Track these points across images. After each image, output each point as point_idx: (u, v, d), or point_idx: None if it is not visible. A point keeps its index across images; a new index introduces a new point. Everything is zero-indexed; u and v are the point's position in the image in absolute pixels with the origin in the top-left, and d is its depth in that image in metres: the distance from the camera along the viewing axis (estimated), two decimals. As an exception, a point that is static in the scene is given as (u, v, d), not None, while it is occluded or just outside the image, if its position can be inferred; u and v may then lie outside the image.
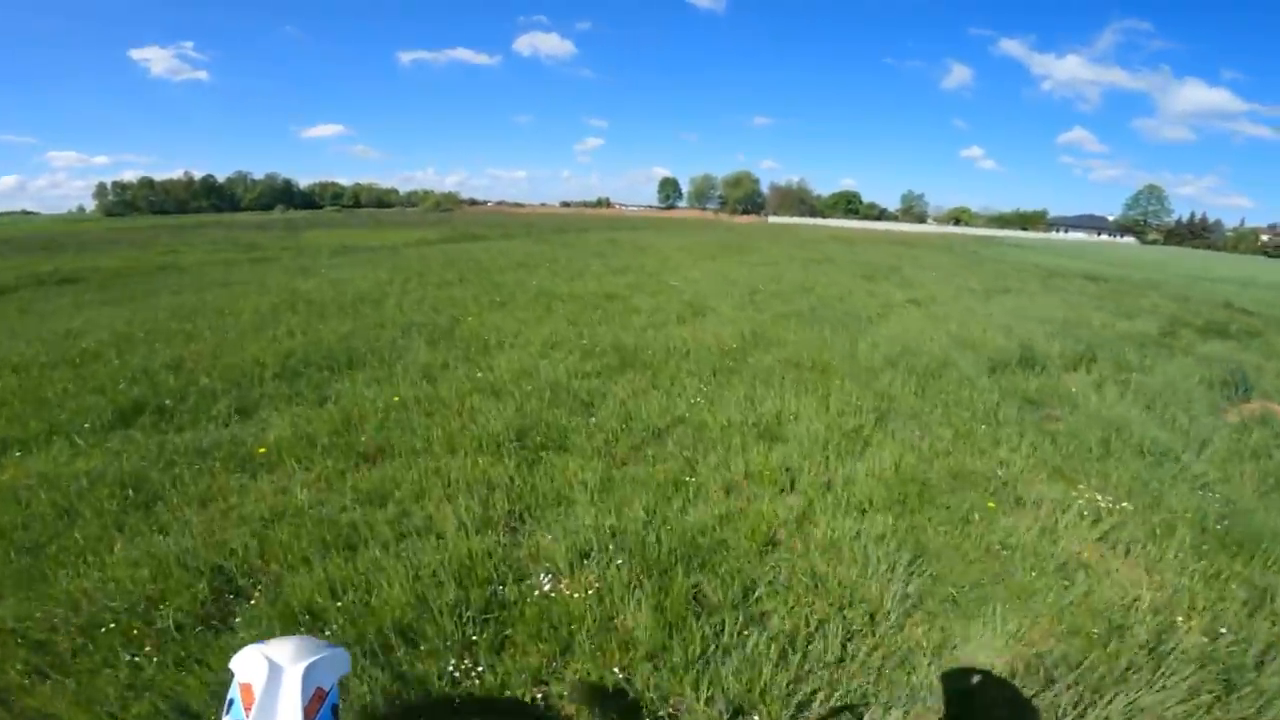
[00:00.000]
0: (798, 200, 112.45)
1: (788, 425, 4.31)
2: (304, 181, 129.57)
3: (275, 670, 0.82)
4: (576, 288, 10.19)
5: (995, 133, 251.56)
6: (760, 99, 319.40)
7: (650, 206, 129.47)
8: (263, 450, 3.89)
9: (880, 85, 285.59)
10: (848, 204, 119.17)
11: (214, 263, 16.99)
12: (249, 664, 0.84)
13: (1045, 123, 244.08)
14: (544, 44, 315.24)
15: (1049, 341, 7.27)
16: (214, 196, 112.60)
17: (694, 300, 9.12)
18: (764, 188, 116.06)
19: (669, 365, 5.61)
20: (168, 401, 4.65)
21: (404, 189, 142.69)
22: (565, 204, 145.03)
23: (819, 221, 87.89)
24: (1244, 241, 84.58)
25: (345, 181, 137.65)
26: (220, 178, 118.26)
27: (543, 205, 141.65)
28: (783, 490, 3.48)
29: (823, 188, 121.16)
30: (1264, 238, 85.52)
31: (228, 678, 0.83)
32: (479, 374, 5.26)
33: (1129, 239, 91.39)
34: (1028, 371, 5.93)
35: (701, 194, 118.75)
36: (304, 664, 0.84)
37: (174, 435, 4.22)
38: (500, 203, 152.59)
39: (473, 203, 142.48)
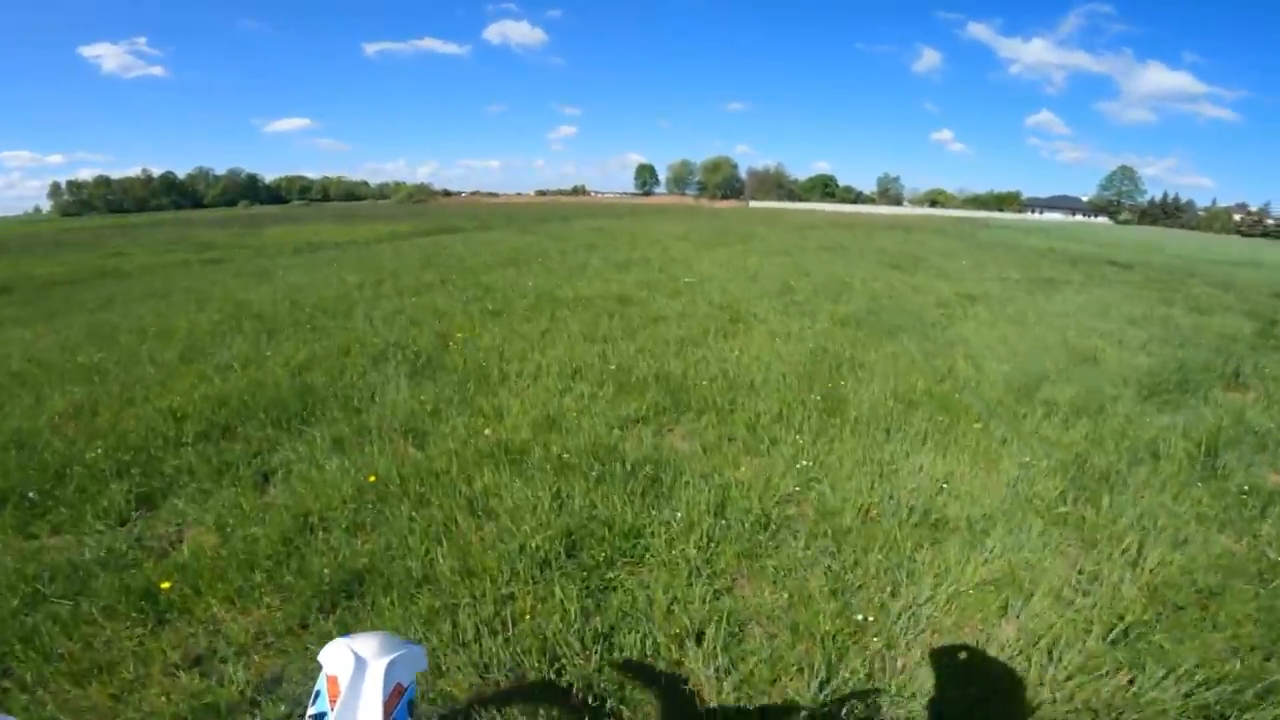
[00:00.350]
0: (775, 184, 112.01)
1: (956, 505, 2.95)
2: (270, 176, 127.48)
3: (360, 664, 0.85)
4: (582, 289, 8.70)
5: (965, 116, 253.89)
6: (735, 84, 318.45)
7: (627, 193, 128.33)
8: (167, 585, 2.43)
9: (852, 69, 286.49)
10: (824, 187, 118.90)
11: (162, 266, 15.13)
12: (336, 657, 0.87)
13: (1013, 106, 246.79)
14: (514, 32, 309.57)
15: (1173, 350, 6.03)
16: (175, 194, 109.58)
17: (726, 303, 7.71)
18: (742, 173, 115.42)
19: (739, 404, 4.20)
20: (32, 494, 3.13)
21: (375, 181, 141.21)
22: (541, 192, 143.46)
23: (799, 205, 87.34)
24: (1217, 221, 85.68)
25: (313, 175, 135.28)
26: (181, 174, 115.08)
27: (518, 194, 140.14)
28: (1017, 650, 2.11)
29: (798, 172, 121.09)
30: (1236, 217, 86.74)
31: (315, 669, 0.84)
32: (485, 427, 3.79)
33: (1102, 219, 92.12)
34: (1187, 395, 4.66)
35: (680, 179, 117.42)
36: (386, 660, 0.86)
37: (47, 539, 2.83)
38: (475, 193, 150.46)
39: (446, 193, 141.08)
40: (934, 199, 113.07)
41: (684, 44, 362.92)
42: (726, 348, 5.68)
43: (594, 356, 5.34)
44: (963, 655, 2.11)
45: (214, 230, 30.84)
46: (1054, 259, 16.64)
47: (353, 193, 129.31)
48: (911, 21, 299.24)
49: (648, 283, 9.33)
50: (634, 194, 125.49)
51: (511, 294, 8.31)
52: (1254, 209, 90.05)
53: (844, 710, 1.87)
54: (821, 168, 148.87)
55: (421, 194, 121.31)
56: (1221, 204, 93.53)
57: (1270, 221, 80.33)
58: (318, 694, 0.85)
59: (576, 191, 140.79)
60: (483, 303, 7.72)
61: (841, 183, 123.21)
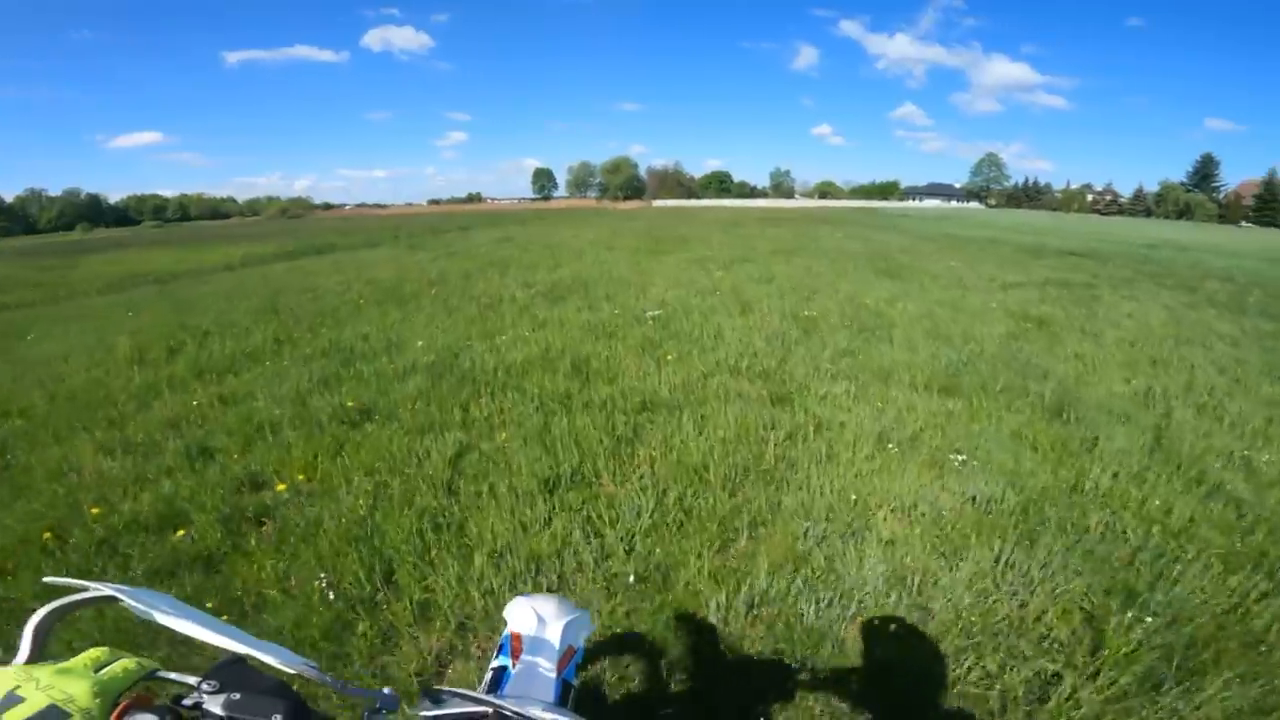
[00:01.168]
0: (676, 183, 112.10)
1: None
2: (116, 196, 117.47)
3: (541, 624, 0.95)
4: (504, 345, 5.67)
5: (840, 110, 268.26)
6: (627, 85, 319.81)
7: (525, 199, 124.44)
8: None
9: (738, 67, 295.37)
10: (720, 183, 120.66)
11: None
12: (520, 614, 0.98)
13: (881, 99, 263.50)
14: (397, 37, 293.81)
15: None
16: (2, 218, 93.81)
17: (744, 362, 4.98)
18: (641, 172, 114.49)
19: None
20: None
21: (244, 197, 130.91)
22: (434, 202, 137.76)
23: (700, 202, 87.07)
24: (1074, 201, 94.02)
25: (169, 193, 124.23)
26: (9, 197, 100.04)
27: (408, 205, 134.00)
28: None
29: (693, 169, 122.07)
30: (1089, 197, 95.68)
31: (500, 624, 0.93)
32: None
33: (974, 204, 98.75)
34: None
35: (581, 182, 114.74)
36: (563, 623, 0.96)
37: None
38: (361, 205, 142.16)
39: (327, 207, 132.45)
40: (824, 191, 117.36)
41: (573, 45, 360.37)
42: (838, 504, 2.92)
43: (562, 549, 2.42)
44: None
45: (14, 263, 24.42)
46: (1016, 252, 15.29)
47: (218, 210, 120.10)
48: (789, 18, 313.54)
49: (598, 325, 6.42)
50: (533, 199, 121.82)
51: (387, 367, 5.13)
52: (1098, 188, 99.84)
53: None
54: (714, 165, 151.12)
55: (297, 208, 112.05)
56: (1067, 185, 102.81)
57: (1123, 200, 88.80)
58: (501, 647, 0.95)
59: (472, 199, 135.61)
60: (336, 392, 4.51)
61: (737, 178, 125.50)
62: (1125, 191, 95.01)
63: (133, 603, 0.55)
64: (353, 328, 6.70)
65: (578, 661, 0.96)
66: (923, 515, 2.79)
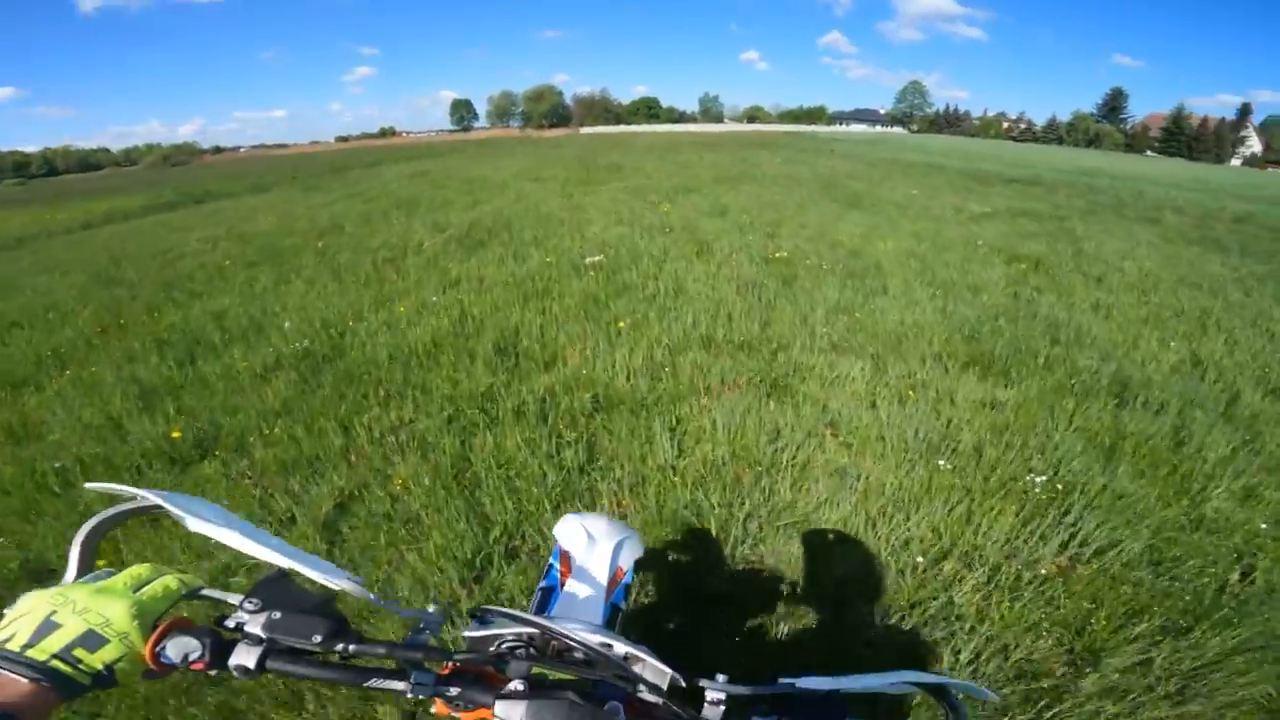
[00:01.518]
0: (603, 109, 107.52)
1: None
2: None
3: (591, 543, 0.93)
4: (406, 319, 4.35)
5: (768, 36, 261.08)
6: (547, 12, 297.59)
7: (444, 131, 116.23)
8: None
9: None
10: (649, 109, 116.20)
11: None
12: (570, 533, 0.95)
13: (808, 26, 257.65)
14: None
15: None
16: None
17: (747, 337, 3.88)
18: (567, 100, 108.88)
19: None
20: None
21: (119, 146, 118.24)
22: (342, 139, 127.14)
23: (628, 128, 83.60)
24: (991, 128, 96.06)
25: (32, 149, 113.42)
26: None
27: (313, 143, 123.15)
28: None
29: (620, 97, 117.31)
30: (1005, 125, 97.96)
31: (551, 542, 0.93)
32: None
33: (898, 129, 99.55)
34: None
35: (503, 112, 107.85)
36: (614, 542, 0.93)
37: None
38: (260, 146, 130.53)
39: (218, 150, 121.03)
40: (752, 116, 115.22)
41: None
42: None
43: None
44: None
45: None
46: (963, 178, 14.68)
47: (89, 162, 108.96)
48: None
49: (527, 280, 5.15)
50: (452, 131, 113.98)
51: (241, 363, 3.74)
52: (1012, 116, 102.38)
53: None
54: (641, 91, 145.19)
55: (181, 154, 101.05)
56: (984, 113, 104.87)
57: (1037, 129, 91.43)
58: (551, 567, 0.94)
59: (385, 134, 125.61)
60: (163, 413, 3.14)
61: (664, 104, 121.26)
62: (1037, 120, 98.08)
63: (179, 511, 0.55)
64: (206, 303, 5.15)
65: (627, 584, 0.93)
66: (1029, 586, 1.86)
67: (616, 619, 0.89)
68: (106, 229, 12.31)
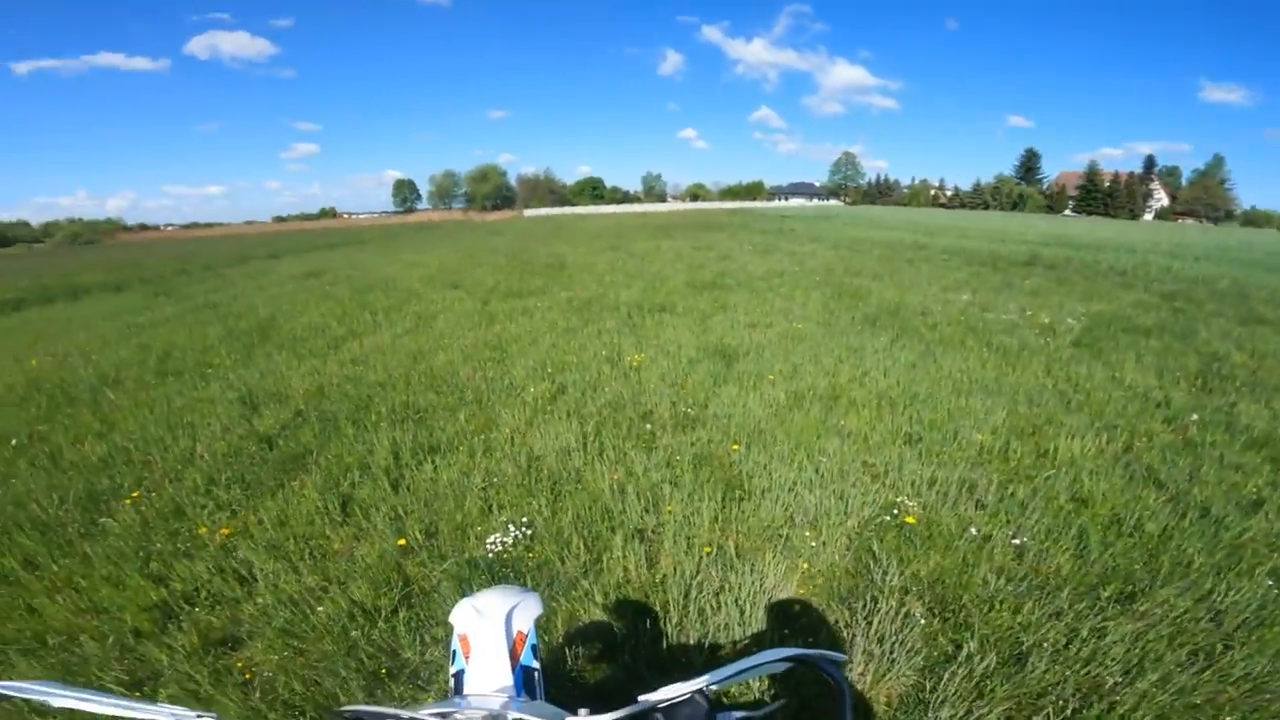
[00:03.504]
0: (547, 190, 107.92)
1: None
2: None
3: (481, 618, 0.92)
4: None
5: (703, 114, 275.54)
6: (494, 93, 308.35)
7: (386, 213, 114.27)
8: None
9: (605, 73, 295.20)
10: (593, 189, 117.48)
11: None
12: (463, 616, 0.95)
13: (740, 103, 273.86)
14: (229, 44, 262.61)
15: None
16: None
17: None
18: (511, 181, 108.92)
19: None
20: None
21: (40, 219, 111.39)
22: (279, 219, 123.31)
23: (573, 210, 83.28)
24: (919, 196, 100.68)
25: None
26: None
27: (248, 223, 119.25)
28: None
29: (565, 176, 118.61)
30: (932, 192, 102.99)
31: (449, 631, 0.91)
32: None
33: (834, 201, 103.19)
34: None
35: (445, 193, 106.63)
36: (504, 612, 0.93)
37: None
38: (191, 224, 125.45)
39: (143, 228, 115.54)
40: (695, 194, 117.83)
41: (438, 51, 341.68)
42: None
43: None
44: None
45: None
46: (979, 265, 12.42)
47: (3, 236, 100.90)
48: (654, 23, 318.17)
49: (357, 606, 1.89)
50: (394, 213, 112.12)
51: None
52: (934, 183, 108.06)
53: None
54: (585, 171, 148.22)
55: (93, 232, 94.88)
56: (913, 181, 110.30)
57: (964, 194, 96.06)
58: (454, 653, 0.93)
59: (325, 215, 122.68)
60: None
61: (608, 184, 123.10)
62: (950, 185, 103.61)
63: (22, 695, 0.55)
64: None
65: (533, 644, 0.93)
66: None
67: (533, 679, 0.89)
68: None
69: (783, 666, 0.62)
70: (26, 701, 0.63)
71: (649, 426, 3.81)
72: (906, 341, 5.71)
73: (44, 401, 4.87)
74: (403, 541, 2.71)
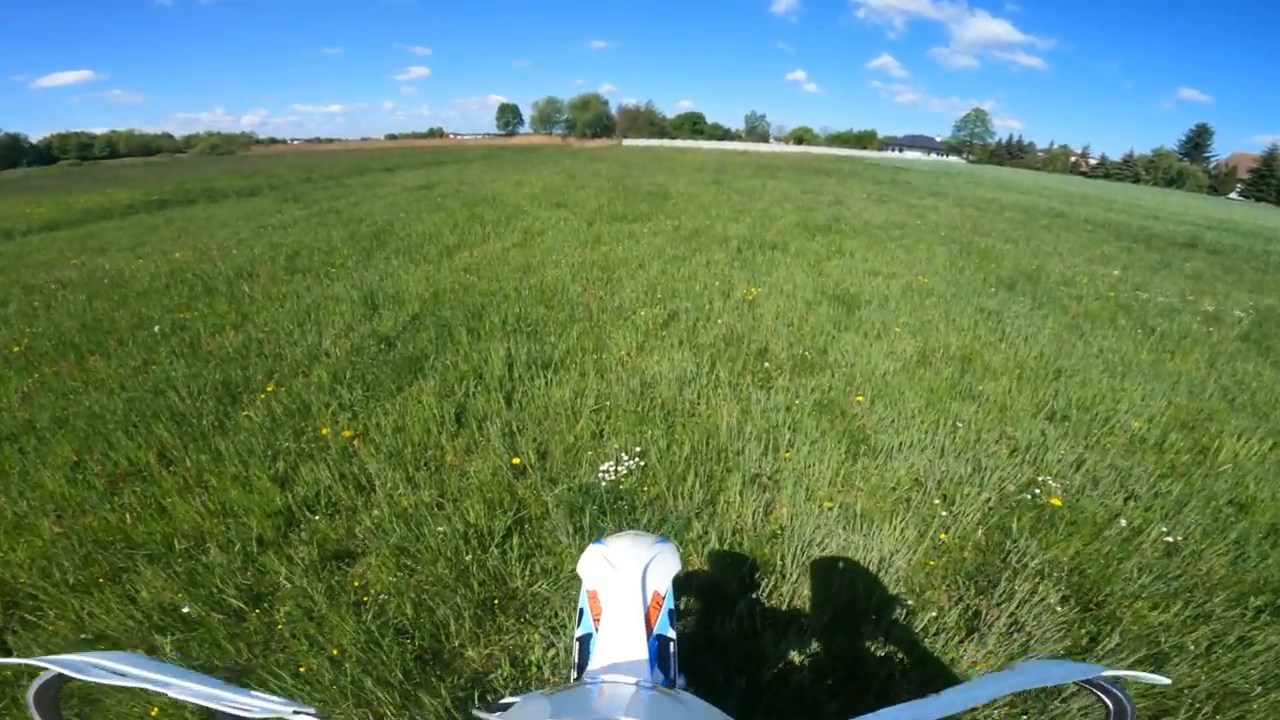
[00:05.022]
0: (647, 122, 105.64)
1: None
2: (38, 135, 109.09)
3: (614, 572, 0.81)
4: None
5: (817, 57, 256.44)
6: (596, 22, 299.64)
7: (490, 134, 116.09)
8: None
9: (712, 6, 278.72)
10: (694, 125, 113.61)
11: None
12: (592, 566, 0.85)
13: (859, 48, 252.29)
14: None
15: None
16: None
17: None
18: (612, 110, 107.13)
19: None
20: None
21: (183, 133, 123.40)
22: (391, 136, 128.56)
23: (673, 143, 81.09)
24: (1056, 161, 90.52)
25: (99, 130, 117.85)
26: None
27: (364, 140, 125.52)
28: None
29: (666, 110, 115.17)
30: (1072, 159, 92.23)
31: (577, 584, 0.84)
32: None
33: (955, 158, 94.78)
34: None
35: (546, 118, 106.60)
36: (640, 566, 0.81)
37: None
38: (314, 139, 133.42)
39: (273, 142, 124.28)
40: (800, 137, 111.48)
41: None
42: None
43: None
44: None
45: None
46: (1131, 240, 11.09)
47: (150, 146, 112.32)
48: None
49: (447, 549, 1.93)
50: (497, 135, 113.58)
51: None
52: (1076, 151, 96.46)
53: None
54: (686, 105, 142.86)
55: (230, 144, 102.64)
56: (1050, 145, 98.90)
57: (1111, 164, 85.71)
58: (582, 612, 0.82)
59: (433, 134, 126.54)
60: None
61: (709, 120, 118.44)
62: (1095, 154, 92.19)
63: (81, 675, 0.48)
64: None
65: (670, 608, 0.80)
66: None
67: (667, 653, 0.77)
68: (31, 238, 9.53)
69: (1055, 683, 0.48)
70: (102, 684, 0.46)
71: (766, 365, 3.66)
72: (1050, 312, 5.17)
73: (185, 290, 5.28)
74: (517, 461, 2.69)
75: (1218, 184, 72.45)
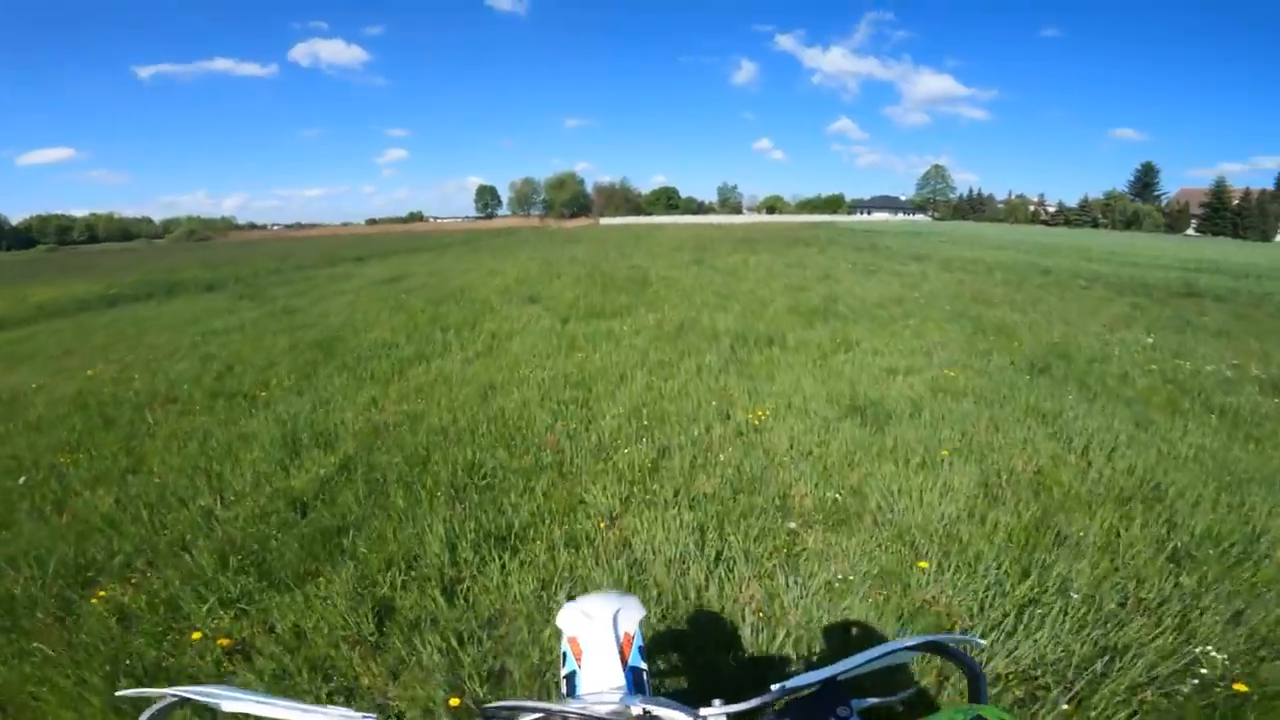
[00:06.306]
0: (623, 198, 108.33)
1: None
2: (18, 216, 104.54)
3: (590, 621, 0.92)
4: None
5: (779, 124, 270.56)
6: (570, 101, 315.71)
7: (469, 218, 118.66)
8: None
9: (679, 82, 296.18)
10: (668, 200, 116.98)
11: None
12: (570, 619, 0.95)
13: (818, 113, 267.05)
14: (326, 51, 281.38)
15: None
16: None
17: None
18: (588, 188, 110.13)
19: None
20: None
21: (163, 216, 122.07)
22: (372, 221, 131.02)
23: (647, 220, 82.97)
24: (1017, 212, 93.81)
25: (80, 213, 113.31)
26: None
27: (344, 225, 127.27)
28: None
29: (640, 185, 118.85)
30: (1031, 208, 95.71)
31: (557, 634, 0.94)
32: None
33: (920, 216, 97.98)
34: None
35: (524, 199, 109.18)
36: (610, 614, 0.92)
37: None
38: (294, 225, 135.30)
39: (253, 227, 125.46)
40: (772, 205, 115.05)
41: (517, 60, 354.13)
42: None
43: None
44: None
45: None
46: (1148, 299, 10.64)
47: (128, 231, 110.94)
48: (729, 33, 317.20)
49: None
50: (476, 218, 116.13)
51: None
52: (1034, 200, 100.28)
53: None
54: (660, 180, 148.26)
55: (207, 229, 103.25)
56: (1009, 195, 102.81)
57: (1069, 210, 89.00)
58: (564, 655, 0.93)
59: (413, 218, 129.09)
60: None
61: (683, 194, 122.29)
62: (1051, 201, 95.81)
63: (211, 700, 0.57)
64: None
65: (640, 646, 0.93)
66: None
67: (642, 680, 0.89)
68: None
69: (914, 654, 0.62)
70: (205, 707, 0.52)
71: (789, 524, 2.78)
72: (1106, 403, 4.40)
73: (80, 422, 4.40)
74: (456, 702, 1.83)
75: (1173, 221, 74.99)
